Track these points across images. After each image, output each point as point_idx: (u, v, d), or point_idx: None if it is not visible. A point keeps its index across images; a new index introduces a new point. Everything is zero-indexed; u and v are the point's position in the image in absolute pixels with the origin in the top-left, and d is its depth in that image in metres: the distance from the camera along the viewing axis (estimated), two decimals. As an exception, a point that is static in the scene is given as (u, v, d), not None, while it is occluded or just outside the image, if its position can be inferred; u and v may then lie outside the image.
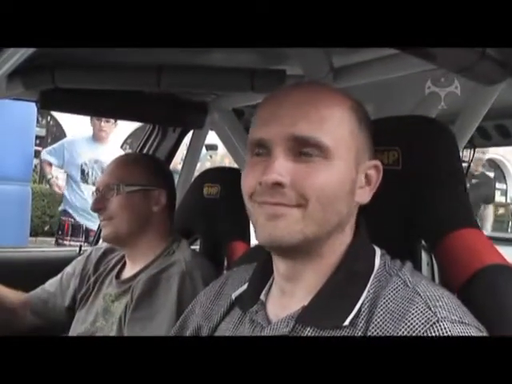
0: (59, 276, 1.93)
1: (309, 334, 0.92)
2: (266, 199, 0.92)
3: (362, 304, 0.90)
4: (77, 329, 1.73)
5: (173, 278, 1.55)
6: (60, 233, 4.43)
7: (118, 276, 1.76)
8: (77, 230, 4.35)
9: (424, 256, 1.24)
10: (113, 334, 1.60)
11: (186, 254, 1.66)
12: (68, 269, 1.93)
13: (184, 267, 1.58)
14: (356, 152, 0.95)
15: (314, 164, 0.91)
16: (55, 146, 4.71)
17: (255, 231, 0.96)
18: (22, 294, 1.91)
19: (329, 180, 0.91)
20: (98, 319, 1.68)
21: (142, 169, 1.75)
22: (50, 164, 4.61)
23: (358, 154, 0.96)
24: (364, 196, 0.97)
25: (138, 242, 1.71)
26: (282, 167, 0.91)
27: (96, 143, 4.45)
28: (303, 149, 0.91)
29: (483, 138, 2.23)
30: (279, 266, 1.00)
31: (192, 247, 1.81)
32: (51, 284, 1.92)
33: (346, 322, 0.89)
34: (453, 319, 0.82)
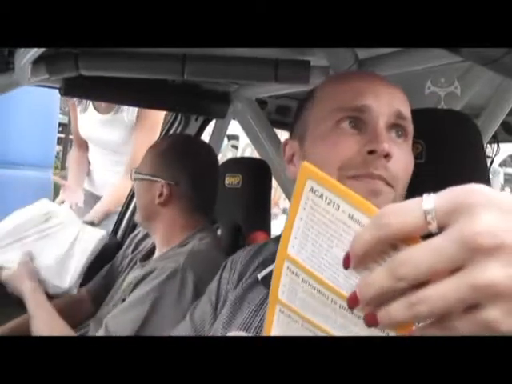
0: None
1: None
2: (369, 171, 0.90)
3: None
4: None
5: (164, 269, 1.49)
6: None
7: (142, 260, 1.76)
8: None
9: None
10: None
11: (195, 248, 1.57)
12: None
13: (181, 263, 1.49)
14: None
15: (400, 145, 0.94)
16: None
17: None
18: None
19: (409, 164, 0.95)
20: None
21: (154, 156, 1.72)
22: None
23: None
24: None
25: (153, 230, 1.72)
26: (389, 140, 0.91)
27: None
28: (396, 127, 0.94)
29: (507, 132, 2.21)
30: None
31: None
32: (106, 269, 1.96)
33: None
34: None
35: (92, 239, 1.95)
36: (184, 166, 1.67)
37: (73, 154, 3.00)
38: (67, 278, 1.82)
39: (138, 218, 1.76)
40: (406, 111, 0.95)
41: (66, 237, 1.92)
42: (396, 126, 0.94)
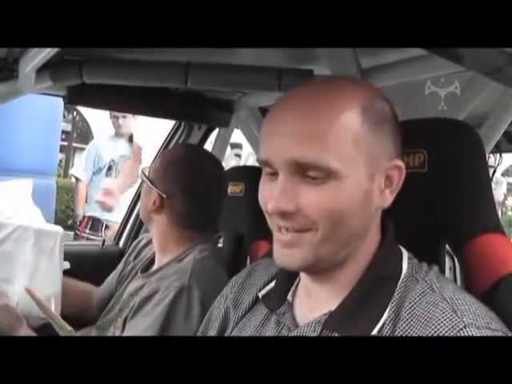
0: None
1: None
2: (278, 222, 0.91)
3: (388, 310, 0.88)
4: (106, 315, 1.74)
5: (170, 289, 1.47)
6: (78, 224, 4.38)
7: (143, 270, 1.75)
8: (97, 224, 4.30)
9: (447, 261, 1.23)
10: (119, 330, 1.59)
11: (196, 264, 1.55)
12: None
13: (186, 282, 1.47)
14: (368, 159, 0.88)
15: (320, 186, 0.87)
16: (82, 159, 4.51)
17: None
18: (90, 286, 1.98)
19: (337, 201, 0.87)
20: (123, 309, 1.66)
21: (158, 164, 1.70)
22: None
23: (372, 160, 0.89)
24: (385, 199, 0.93)
25: (151, 233, 1.74)
26: (286, 193, 0.87)
27: (119, 138, 4.39)
28: (307, 172, 0.87)
29: (510, 143, 2.21)
30: (303, 274, 1.01)
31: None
32: (112, 275, 1.95)
33: (375, 331, 0.87)
34: (479, 325, 0.80)
35: (52, 243, 1.80)
36: (182, 183, 1.64)
37: (128, 164, 3.07)
38: (51, 307, 1.68)
39: (141, 215, 1.79)
40: (313, 156, 0.86)
41: (24, 253, 1.77)
42: (304, 171, 0.87)
